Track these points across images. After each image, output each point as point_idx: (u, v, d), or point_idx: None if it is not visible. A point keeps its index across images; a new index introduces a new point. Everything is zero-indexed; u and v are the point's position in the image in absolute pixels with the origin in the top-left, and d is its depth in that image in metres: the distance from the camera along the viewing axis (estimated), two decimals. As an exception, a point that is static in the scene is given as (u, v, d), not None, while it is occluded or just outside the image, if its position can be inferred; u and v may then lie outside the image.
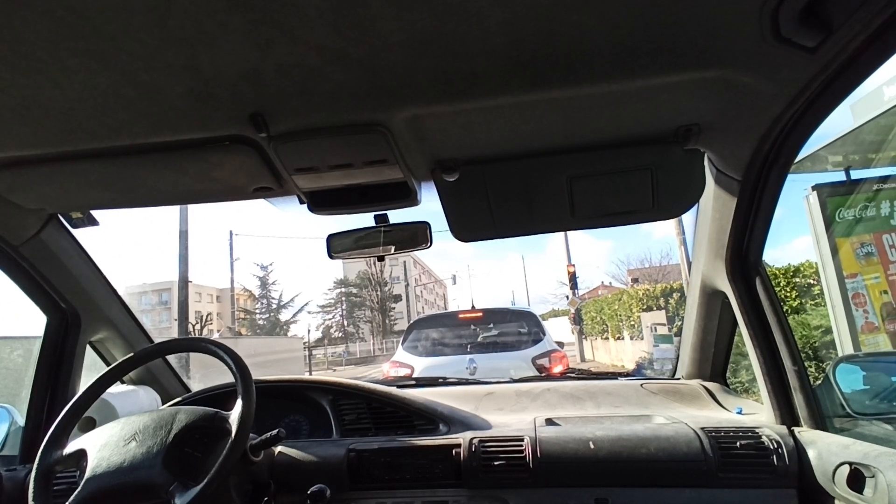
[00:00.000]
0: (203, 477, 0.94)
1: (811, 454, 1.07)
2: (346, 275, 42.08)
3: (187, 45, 0.69)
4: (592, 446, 1.17)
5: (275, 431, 1.09)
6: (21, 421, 1.48)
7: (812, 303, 6.18)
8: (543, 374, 3.94)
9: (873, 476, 0.92)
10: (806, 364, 1.20)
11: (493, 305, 6.10)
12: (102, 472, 0.97)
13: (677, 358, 1.71)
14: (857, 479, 0.95)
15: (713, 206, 1.21)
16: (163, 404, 1.69)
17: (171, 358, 1.78)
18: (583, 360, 16.41)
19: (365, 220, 1.35)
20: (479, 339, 4.68)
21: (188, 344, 1.36)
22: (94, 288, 1.48)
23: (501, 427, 1.34)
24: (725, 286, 1.28)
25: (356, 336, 40.01)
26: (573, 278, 17.09)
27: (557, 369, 4.19)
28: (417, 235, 1.41)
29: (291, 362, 19.25)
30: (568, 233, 17.34)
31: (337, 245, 1.46)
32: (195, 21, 0.65)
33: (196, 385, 1.81)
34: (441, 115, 0.91)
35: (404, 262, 42.90)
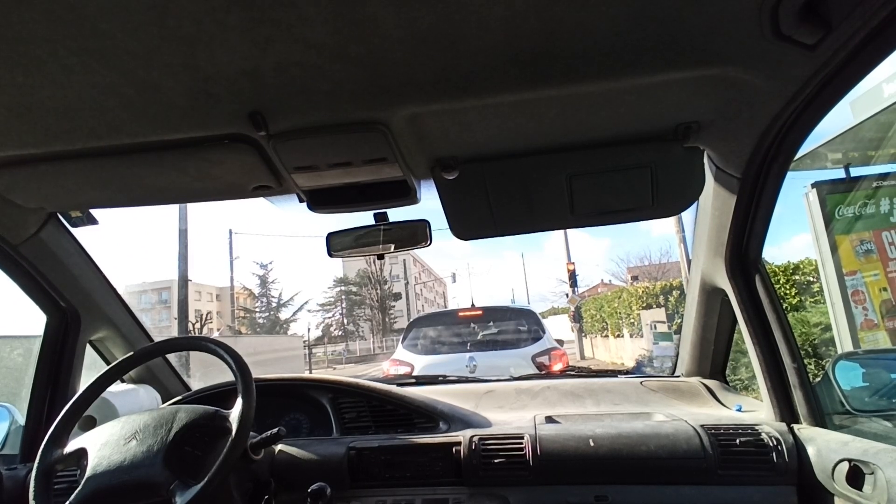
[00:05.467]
0: (204, 475, 0.94)
1: (810, 451, 1.08)
2: (346, 273, 42.08)
3: (186, 43, 0.69)
4: (592, 444, 1.17)
5: (275, 430, 1.09)
6: (21, 420, 1.48)
7: (811, 300, 6.20)
8: (543, 372, 3.95)
9: (872, 473, 0.92)
10: (805, 361, 1.20)
11: (492, 303, 6.10)
12: (103, 470, 0.97)
13: (677, 355, 1.71)
14: (856, 476, 0.95)
15: (713, 203, 1.21)
16: (163, 403, 1.69)
17: (171, 357, 1.78)
18: (582, 357, 16.43)
19: (364, 218, 1.35)
20: (478, 337, 4.68)
21: (188, 343, 1.37)
22: (93, 287, 1.48)
23: (501, 425, 1.34)
24: (725, 284, 1.28)
25: (356, 334, 40.03)
26: (573, 276, 17.09)
27: (557, 367, 4.19)
28: (417, 233, 1.41)
29: (291, 361, 19.26)
30: (567, 231, 17.38)
31: (336, 243, 1.46)
32: (194, 19, 0.65)
33: (196, 384, 1.81)
34: (440, 113, 0.91)
35: (404, 260, 42.94)
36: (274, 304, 38.58)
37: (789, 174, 1.07)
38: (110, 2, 0.61)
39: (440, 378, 1.93)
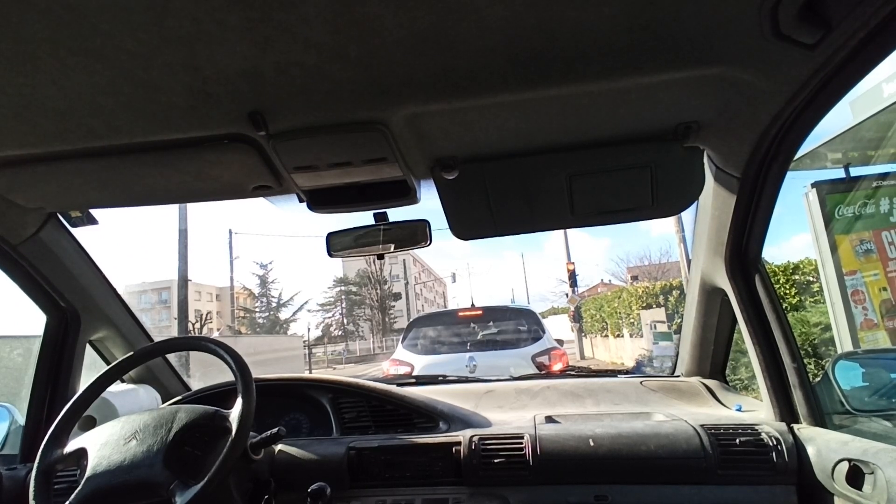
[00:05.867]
0: (203, 475, 0.94)
1: (810, 451, 1.08)
2: (346, 273, 42.08)
3: (186, 43, 0.69)
4: (592, 444, 1.17)
5: (275, 430, 1.09)
6: (21, 420, 1.48)
7: (811, 300, 6.20)
8: (543, 372, 3.94)
9: (872, 472, 0.92)
10: (805, 361, 1.20)
11: (492, 303, 6.10)
12: (103, 470, 0.97)
13: (677, 355, 1.71)
14: (856, 476, 0.96)
15: (712, 203, 1.21)
16: (163, 403, 1.69)
17: (171, 357, 1.78)
18: (582, 357, 16.43)
19: (364, 218, 1.35)
20: (478, 337, 4.68)
21: (188, 342, 1.37)
22: (93, 287, 1.48)
23: (501, 425, 1.34)
24: (725, 283, 1.28)
25: (356, 334, 40.03)
26: (573, 276, 17.09)
27: (557, 367, 4.19)
28: (417, 233, 1.41)
29: (291, 361, 19.25)
30: (567, 231, 17.37)
31: (336, 243, 1.46)
32: (194, 19, 0.65)
33: (196, 384, 1.81)
34: (440, 112, 0.91)
35: (404, 260, 42.95)
36: (274, 304, 38.57)
37: (789, 174, 1.07)
38: (110, 2, 0.61)
39: (440, 378, 1.93)
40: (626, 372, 1.96)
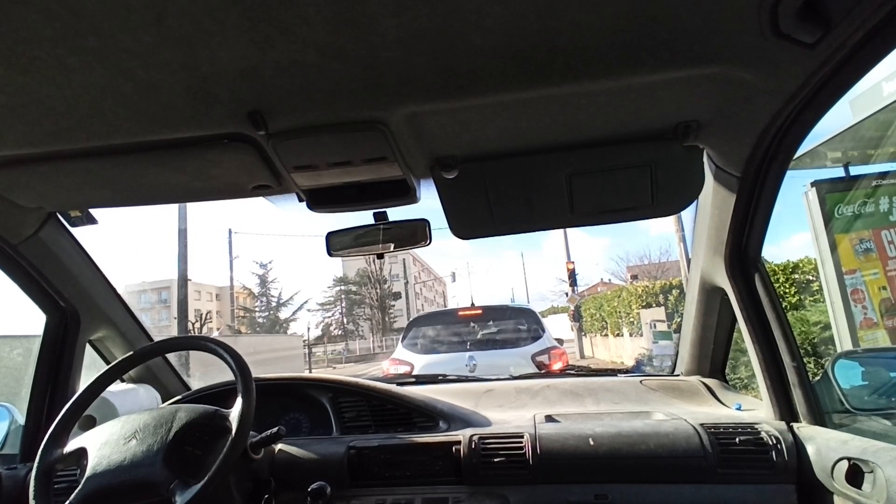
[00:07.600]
0: (203, 475, 0.94)
1: (810, 450, 1.08)
2: (346, 273, 42.08)
3: (185, 42, 0.69)
4: (592, 443, 1.17)
5: (275, 429, 1.09)
6: (21, 420, 1.48)
7: (811, 299, 6.20)
8: (543, 371, 3.95)
9: (872, 471, 0.92)
10: (805, 360, 1.20)
11: (492, 303, 6.10)
12: (103, 470, 0.97)
13: (676, 354, 1.71)
14: (855, 475, 0.96)
15: (712, 202, 1.22)
16: (163, 402, 1.69)
17: (171, 356, 1.78)
18: (582, 356, 16.44)
19: (364, 217, 1.35)
20: (478, 337, 4.69)
21: (188, 342, 1.37)
22: (93, 286, 1.48)
23: (501, 424, 1.34)
24: (725, 283, 1.28)
25: (356, 334, 40.03)
26: (572, 275, 17.10)
27: (557, 366, 4.19)
28: (416, 233, 1.41)
29: (291, 360, 19.25)
30: (567, 230, 17.38)
31: (336, 243, 1.46)
32: (193, 19, 0.65)
33: (196, 383, 1.81)
34: (440, 112, 0.91)
35: (403, 259, 42.95)
36: (273, 304, 38.55)
37: (789, 173, 1.07)
38: (110, 2, 0.61)
39: (440, 377, 1.93)
40: (626, 371, 1.96)
